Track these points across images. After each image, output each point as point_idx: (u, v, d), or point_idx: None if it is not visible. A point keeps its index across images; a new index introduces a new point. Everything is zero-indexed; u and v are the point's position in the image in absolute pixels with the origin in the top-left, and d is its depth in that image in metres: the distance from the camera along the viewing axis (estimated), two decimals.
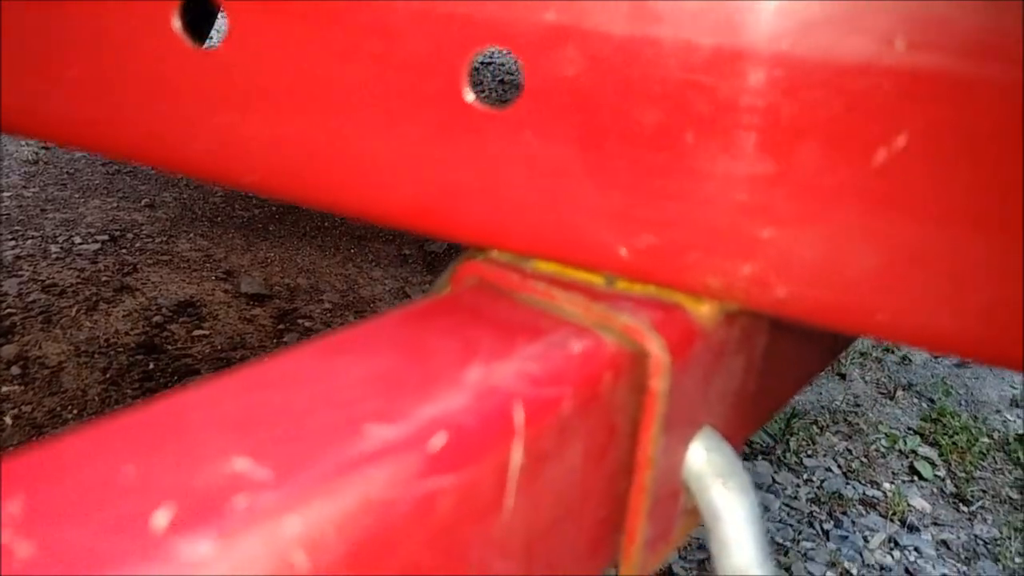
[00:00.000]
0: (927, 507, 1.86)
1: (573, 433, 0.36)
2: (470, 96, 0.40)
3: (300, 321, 2.29)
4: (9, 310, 2.14)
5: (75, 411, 1.79)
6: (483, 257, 0.45)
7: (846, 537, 1.72)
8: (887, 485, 1.92)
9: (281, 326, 2.25)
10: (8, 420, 1.73)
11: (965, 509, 1.87)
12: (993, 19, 0.34)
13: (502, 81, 4.21)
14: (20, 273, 2.35)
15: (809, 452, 2.01)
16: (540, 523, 0.36)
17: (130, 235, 2.61)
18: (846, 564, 1.64)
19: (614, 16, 0.37)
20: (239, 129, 0.43)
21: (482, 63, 4.27)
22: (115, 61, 0.44)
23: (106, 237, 2.58)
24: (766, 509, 1.78)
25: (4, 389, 1.82)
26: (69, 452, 0.27)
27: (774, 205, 0.38)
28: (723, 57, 0.36)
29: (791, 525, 1.75)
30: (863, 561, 1.66)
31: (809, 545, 1.69)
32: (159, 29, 0.42)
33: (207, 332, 2.16)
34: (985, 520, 1.83)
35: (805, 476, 1.91)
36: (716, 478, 0.44)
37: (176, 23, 0.42)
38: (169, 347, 2.07)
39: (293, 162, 0.43)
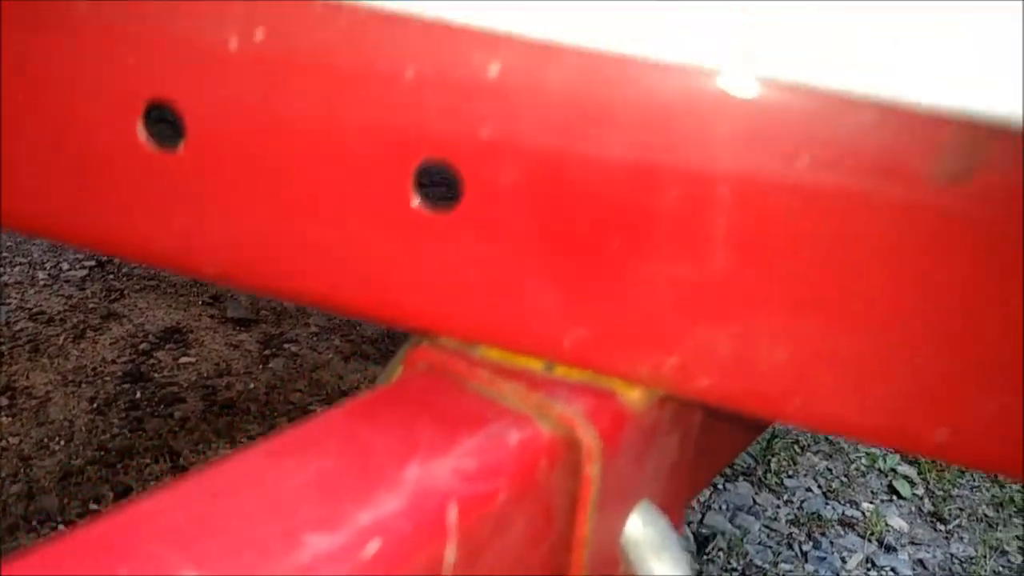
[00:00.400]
0: (905, 526, 1.89)
1: (510, 520, 0.39)
2: (416, 202, 0.43)
3: (286, 346, 2.31)
4: None
5: (62, 442, 1.81)
6: (432, 343, 0.47)
7: (824, 558, 1.75)
8: (866, 504, 1.95)
9: (267, 351, 2.27)
10: None
11: (942, 528, 1.90)
12: (889, 141, 0.37)
13: None
14: (8, 301, 2.37)
15: (790, 472, 2.04)
16: None
17: (117, 260, 2.63)
18: None
19: (544, 133, 0.40)
20: (200, 225, 0.46)
21: None
22: (85, 162, 0.47)
23: (93, 263, 2.60)
24: (746, 532, 1.80)
25: None
26: (29, 573, 0.30)
27: (695, 305, 0.41)
28: (642, 172, 0.39)
29: (770, 547, 1.78)
30: None
31: (788, 567, 1.72)
32: (126, 135, 0.45)
33: (193, 359, 2.18)
34: (961, 539, 1.87)
35: (785, 497, 1.94)
36: (651, 551, 0.47)
37: (141, 130, 0.45)
38: (155, 375, 2.09)
39: (250, 256, 0.46)
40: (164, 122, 0.46)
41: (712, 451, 0.55)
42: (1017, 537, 1.86)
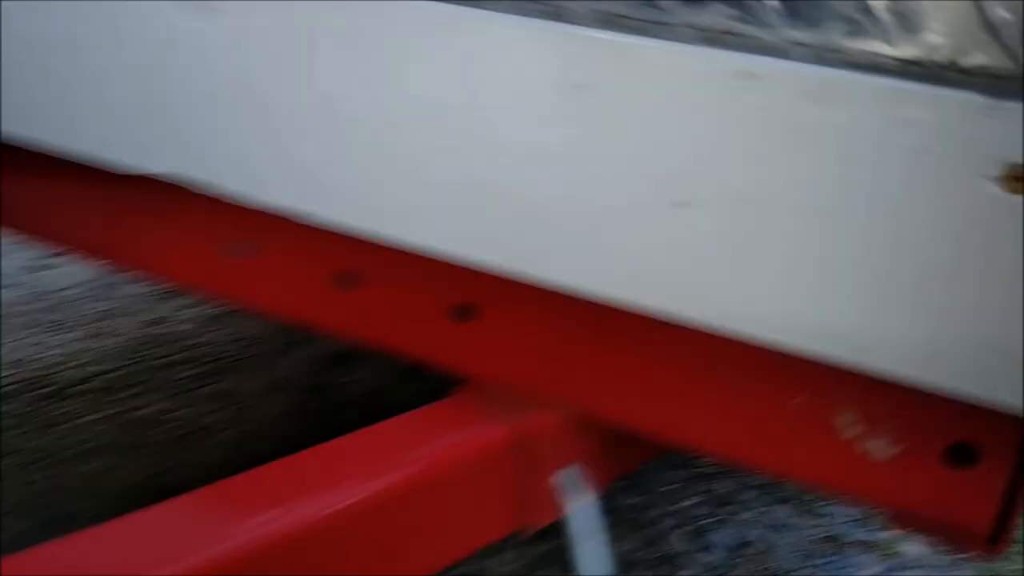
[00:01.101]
0: (916, 551, 2.27)
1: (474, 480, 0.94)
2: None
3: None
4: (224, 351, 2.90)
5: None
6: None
7: (839, 571, 2.17)
8: (886, 534, 2.33)
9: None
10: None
11: (946, 558, 2.26)
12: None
13: None
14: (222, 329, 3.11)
15: (828, 501, 2.45)
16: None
17: None
18: None
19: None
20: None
21: None
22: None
23: None
24: (774, 545, 2.25)
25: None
26: None
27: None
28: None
29: (792, 557, 2.21)
30: None
31: (805, 573, 2.15)
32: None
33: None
34: (962, 567, 2.22)
35: (814, 522, 2.36)
36: (569, 492, 1.01)
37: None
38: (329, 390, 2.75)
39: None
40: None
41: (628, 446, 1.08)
42: (1016, 571, 2.20)
